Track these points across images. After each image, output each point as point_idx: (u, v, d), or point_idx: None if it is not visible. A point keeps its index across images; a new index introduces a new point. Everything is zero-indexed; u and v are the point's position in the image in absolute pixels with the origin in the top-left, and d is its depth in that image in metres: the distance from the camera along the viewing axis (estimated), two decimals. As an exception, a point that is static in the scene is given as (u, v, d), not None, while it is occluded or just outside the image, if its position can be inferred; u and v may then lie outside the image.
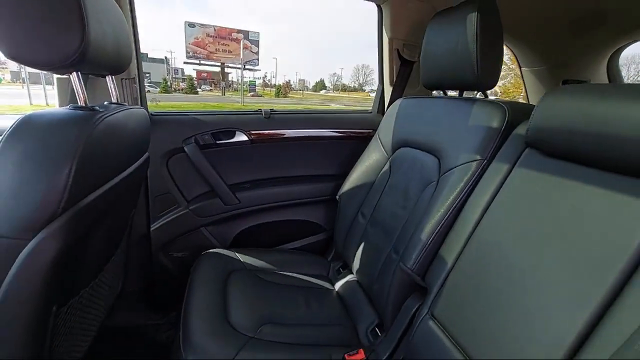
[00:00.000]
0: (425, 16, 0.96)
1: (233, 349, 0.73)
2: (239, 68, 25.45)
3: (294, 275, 1.12)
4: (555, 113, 0.58)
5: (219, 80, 28.55)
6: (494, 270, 0.59)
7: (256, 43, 25.81)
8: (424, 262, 0.75)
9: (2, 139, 0.50)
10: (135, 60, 1.02)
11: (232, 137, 1.22)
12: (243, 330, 0.81)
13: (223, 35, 24.73)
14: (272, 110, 1.28)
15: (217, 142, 1.21)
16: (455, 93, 0.99)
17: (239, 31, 25.13)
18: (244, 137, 1.23)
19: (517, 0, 1.12)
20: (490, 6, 0.79)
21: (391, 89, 1.30)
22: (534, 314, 0.50)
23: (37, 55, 0.53)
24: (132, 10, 0.97)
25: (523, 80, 1.50)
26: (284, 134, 1.29)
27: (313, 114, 1.38)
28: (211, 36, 24.46)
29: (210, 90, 32.95)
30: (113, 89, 0.77)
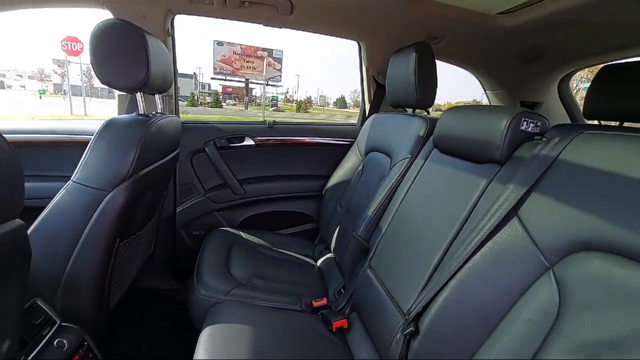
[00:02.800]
0: (392, 51, 1.26)
1: (229, 287, 1.04)
2: (262, 84, 26.43)
3: (285, 251, 1.42)
4: (445, 125, 0.86)
5: (243, 95, 29.72)
6: (405, 230, 0.87)
7: (279, 60, 26.80)
8: (369, 230, 1.03)
9: (97, 133, 0.84)
10: (173, 83, 1.38)
11: (242, 141, 1.56)
12: (238, 278, 1.11)
13: (248, 53, 25.88)
14: (274, 121, 1.61)
15: (230, 145, 1.54)
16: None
17: (263, 49, 26.25)
18: (251, 142, 1.56)
19: (473, 37, 1.41)
20: (426, 49, 1.09)
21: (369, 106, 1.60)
22: (419, 253, 0.78)
23: (119, 82, 0.88)
24: (174, 48, 1.34)
25: (489, 101, 1.77)
26: (283, 141, 1.62)
27: (307, 125, 1.70)
28: (237, 54, 25.64)
29: (235, 104, 34.29)
30: (159, 103, 1.12)
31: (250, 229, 1.52)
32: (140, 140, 0.85)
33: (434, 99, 1.12)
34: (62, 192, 0.82)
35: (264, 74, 25.57)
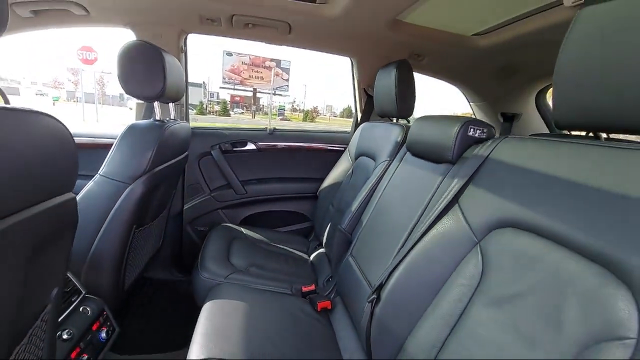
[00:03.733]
0: (380, 66, 1.41)
1: (229, 272, 1.18)
2: (270, 93, 26.84)
3: (281, 246, 1.56)
4: (415, 131, 1.01)
5: (251, 104, 30.20)
6: (380, 221, 1.01)
7: (287, 71, 27.20)
8: (352, 224, 1.16)
9: (120, 135, 1.00)
10: (185, 93, 1.56)
11: (245, 146, 1.72)
12: (237, 266, 1.25)
13: (257, 64, 26.35)
14: (274, 128, 1.77)
15: (234, 149, 1.70)
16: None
17: (272, 60, 26.75)
18: (253, 147, 1.73)
19: (453, 55, 1.56)
20: (406, 66, 1.24)
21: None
22: (388, 239, 0.92)
23: (140, 92, 1.05)
24: (186, 63, 1.52)
25: (473, 111, 1.91)
26: (282, 146, 1.77)
27: (304, 132, 1.86)
28: (246, 64, 26.12)
29: (242, 113, 34.79)
30: (172, 111, 1.28)
31: (250, 226, 1.66)
32: (157, 141, 1.01)
33: (413, 109, 1.27)
34: (90, 183, 0.98)
35: (272, 83, 26.02)
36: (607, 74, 0.49)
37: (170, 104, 1.28)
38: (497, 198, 0.63)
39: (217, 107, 32.97)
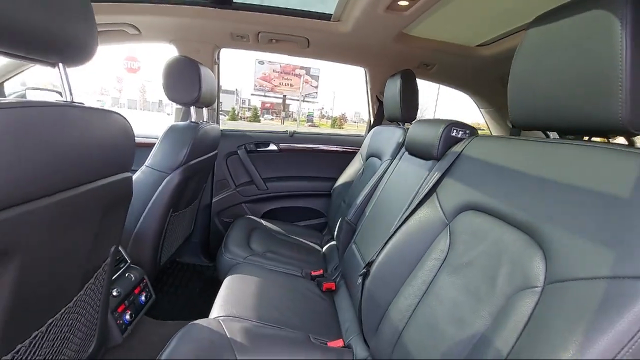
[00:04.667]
0: (391, 75, 1.55)
1: (248, 254, 1.35)
2: (299, 100, 27.40)
3: (296, 238, 1.72)
4: (411, 133, 1.14)
5: (280, 111, 30.96)
6: (379, 211, 1.15)
7: (316, 78, 27.68)
8: (357, 215, 1.30)
9: (163, 133, 1.21)
10: (217, 99, 1.77)
11: (267, 147, 1.91)
12: (256, 250, 1.43)
13: (287, 71, 27.06)
14: (294, 131, 1.95)
15: (258, 149, 1.90)
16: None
17: (301, 67, 27.37)
18: (274, 147, 1.91)
19: (459, 65, 1.67)
20: (409, 76, 1.37)
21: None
22: (383, 225, 1.05)
23: (180, 98, 1.26)
24: (218, 74, 1.74)
25: (484, 118, 1.98)
26: (301, 147, 1.95)
27: (321, 135, 2.02)
28: (277, 72, 26.91)
29: (272, 119, 35.76)
30: (205, 114, 1.49)
31: (270, 219, 1.84)
32: (192, 139, 1.21)
33: (416, 113, 1.40)
34: (138, 173, 1.19)
35: (301, 90, 26.58)
36: (543, 84, 0.61)
37: (204, 109, 1.49)
38: (463, 187, 0.76)
39: (248, 113, 34.13)
